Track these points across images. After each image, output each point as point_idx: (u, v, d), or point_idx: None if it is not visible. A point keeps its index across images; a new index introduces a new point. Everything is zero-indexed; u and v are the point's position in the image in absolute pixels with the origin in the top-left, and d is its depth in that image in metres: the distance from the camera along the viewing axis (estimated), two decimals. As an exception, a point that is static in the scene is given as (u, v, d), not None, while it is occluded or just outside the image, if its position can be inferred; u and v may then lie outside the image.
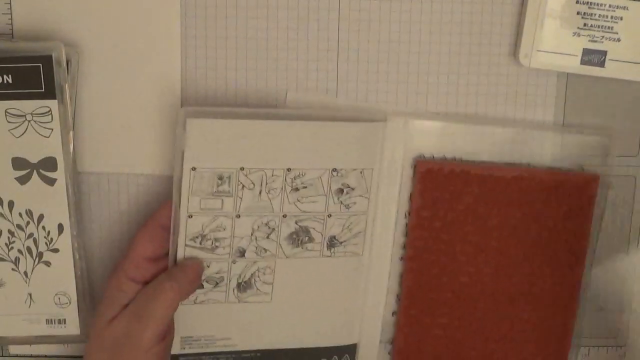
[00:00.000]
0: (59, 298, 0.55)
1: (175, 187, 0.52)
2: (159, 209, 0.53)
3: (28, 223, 0.54)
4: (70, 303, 0.55)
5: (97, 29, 0.54)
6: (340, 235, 0.55)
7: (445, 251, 0.56)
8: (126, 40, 0.54)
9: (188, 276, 0.52)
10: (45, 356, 0.59)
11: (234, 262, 0.54)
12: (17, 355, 0.59)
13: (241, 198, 0.53)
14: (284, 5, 0.54)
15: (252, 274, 0.55)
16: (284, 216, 0.54)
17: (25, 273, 0.55)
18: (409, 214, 0.56)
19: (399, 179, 0.56)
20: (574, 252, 0.56)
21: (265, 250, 0.55)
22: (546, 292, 0.56)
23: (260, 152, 0.52)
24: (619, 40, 0.54)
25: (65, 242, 0.54)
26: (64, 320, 0.56)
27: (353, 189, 0.54)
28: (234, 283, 0.55)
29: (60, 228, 0.54)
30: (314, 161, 0.53)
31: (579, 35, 0.54)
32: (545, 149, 0.56)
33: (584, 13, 0.54)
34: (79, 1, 0.53)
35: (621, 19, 0.54)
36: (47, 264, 0.54)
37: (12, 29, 0.54)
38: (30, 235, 0.54)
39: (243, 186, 0.53)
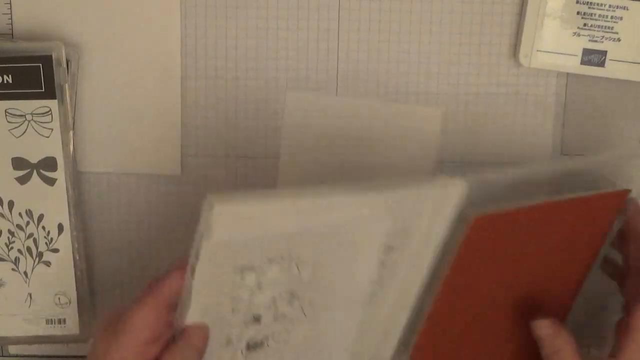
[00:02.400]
0: (59, 298, 0.55)
1: (190, 269, 0.43)
2: (162, 284, 0.45)
3: (28, 223, 0.54)
4: (70, 303, 0.55)
5: (97, 29, 0.54)
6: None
7: (474, 293, 0.52)
8: (126, 40, 0.54)
9: (195, 345, 0.45)
10: (45, 356, 0.59)
11: (246, 326, 0.47)
12: (17, 355, 0.59)
13: (266, 272, 0.45)
14: (283, 6, 0.54)
15: (264, 336, 0.48)
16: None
17: (25, 273, 0.55)
18: (448, 264, 0.49)
19: (443, 234, 0.48)
20: (587, 258, 0.54)
21: (285, 315, 0.48)
22: (545, 294, 0.55)
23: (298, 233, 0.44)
24: (619, 40, 0.54)
25: (65, 242, 0.54)
26: (64, 320, 0.56)
27: (394, 249, 0.48)
28: (242, 344, 0.48)
29: (60, 228, 0.54)
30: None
31: (579, 35, 0.54)
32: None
33: (584, 13, 0.54)
34: (79, 1, 0.53)
35: (621, 19, 0.54)
36: (47, 264, 0.54)
37: (12, 29, 0.54)
38: (30, 235, 0.54)
39: (270, 260, 0.45)
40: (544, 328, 0.51)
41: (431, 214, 0.46)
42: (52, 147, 0.53)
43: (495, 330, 0.55)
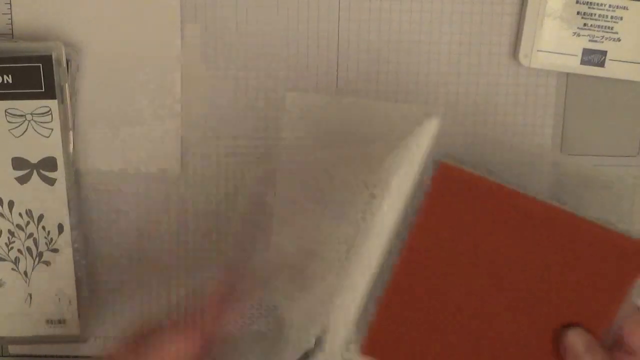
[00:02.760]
0: (59, 298, 0.55)
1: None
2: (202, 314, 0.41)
3: (28, 223, 0.54)
4: (70, 303, 0.55)
5: (97, 29, 0.54)
6: None
7: (441, 270, 0.46)
8: (126, 39, 0.54)
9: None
10: (45, 356, 0.59)
11: None
12: (17, 355, 0.59)
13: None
14: (283, 6, 0.54)
15: None
16: None
17: (25, 273, 0.55)
18: (415, 217, 0.46)
19: (416, 176, 0.46)
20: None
21: None
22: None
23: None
24: (619, 40, 0.54)
25: (65, 242, 0.54)
26: (64, 320, 0.56)
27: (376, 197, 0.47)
28: None
29: (60, 228, 0.54)
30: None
31: (579, 35, 0.54)
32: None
33: (584, 13, 0.54)
34: (79, 1, 0.53)
35: (621, 19, 0.54)
36: (47, 264, 0.54)
37: (12, 29, 0.54)
38: (30, 235, 0.54)
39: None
40: (577, 340, 0.44)
41: (405, 152, 0.45)
42: (52, 147, 0.53)
43: (466, 319, 0.47)
